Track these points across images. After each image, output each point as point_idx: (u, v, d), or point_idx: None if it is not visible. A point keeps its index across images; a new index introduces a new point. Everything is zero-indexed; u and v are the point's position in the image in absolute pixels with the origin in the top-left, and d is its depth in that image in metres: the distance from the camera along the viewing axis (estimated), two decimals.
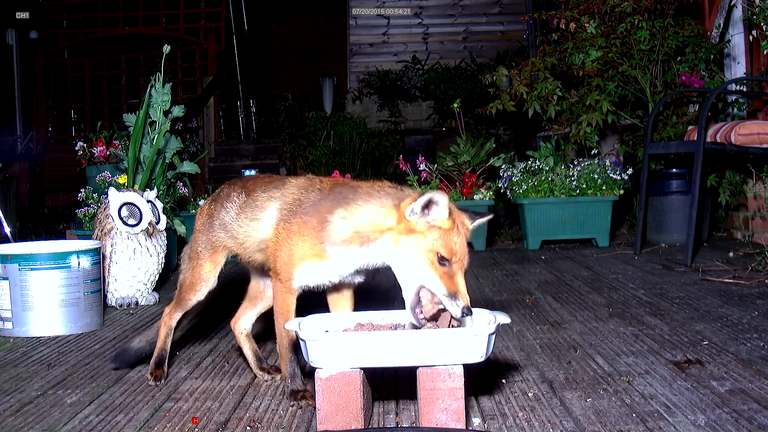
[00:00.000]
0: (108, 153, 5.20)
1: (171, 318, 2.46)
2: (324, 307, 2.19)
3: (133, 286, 3.90)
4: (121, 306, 3.86)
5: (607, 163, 5.69)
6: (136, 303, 3.91)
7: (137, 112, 4.10)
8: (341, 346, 1.81)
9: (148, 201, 3.97)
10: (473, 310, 1.91)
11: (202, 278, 2.38)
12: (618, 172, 5.62)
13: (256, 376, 2.43)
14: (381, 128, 10.97)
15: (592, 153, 5.88)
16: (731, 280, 3.85)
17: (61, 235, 6.19)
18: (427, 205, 1.87)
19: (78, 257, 3.26)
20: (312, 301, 2.21)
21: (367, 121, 10.91)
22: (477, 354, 1.80)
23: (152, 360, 2.45)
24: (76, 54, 11.25)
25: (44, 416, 2.10)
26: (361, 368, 1.83)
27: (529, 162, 5.81)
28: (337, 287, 2.17)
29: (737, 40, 5.93)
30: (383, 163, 10.26)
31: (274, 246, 2.10)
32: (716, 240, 5.67)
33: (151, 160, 4.12)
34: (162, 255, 4.00)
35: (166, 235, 4.08)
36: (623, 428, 1.85)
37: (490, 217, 2.19)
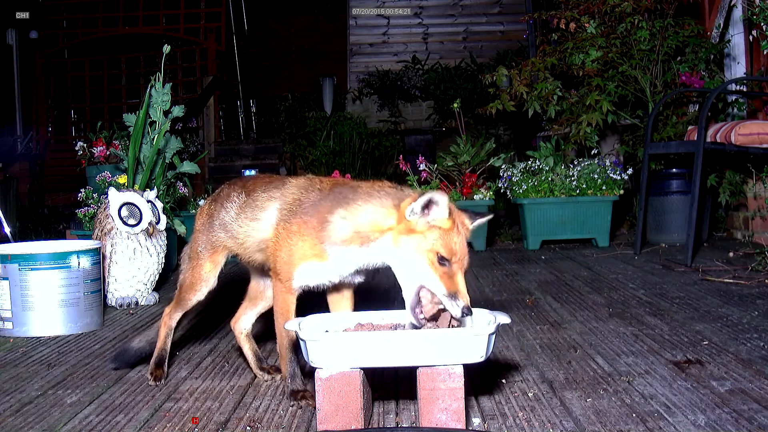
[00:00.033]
0: (108, 153, 5.20)
1: (171, 318, 2.46)
2: (324, 307, 2.19)
3: (133, 286, 3.90)
4: (121, 306, 3.86)
5: (607, 163, 5.69)
6: (136, 303, 3.91)
7: (137, 112, 4.10)
8: (341, 346, 1.81)
9: (148, 201, 3.97)
10: (473, 310, 1.91)
11: (202, 278, 2.39)
12: (618, 172, 5.62)
13: (256, 376, 2.43)
14: (381, 128, 10.97)
15: (592, 153, 5.88)
16: (731, 280, 3.85)
17: (61, 235, 6.19)
18: (427, 205, 1.87)
19: (78, 257, 3.26)
20: (312, 301, 2.21)
21: (367, 121, 10.91)
22: (477, 354, 1.80)
23: (152, 360, 2.45)
24: (76, 54, 11.25)
25: (44, 416, 2.10)
26: (361, 368, 1.83)
27: (529, 162, 5.81)
28: (337, 287, 2.17)
29: (737, 40, 5.93)
30: (383, 163, 10.26)
31: (274, 246, 2.10)
32: (716, 240, 5.67)
33: (151, 160, 4.12)
34: (162, 255, 4.00)
35: (166, 235, 4.08)
36: (623, 428, 1.85)
37: (490, 217, 2.19)
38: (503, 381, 2.28)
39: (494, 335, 1.84)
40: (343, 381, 1.81)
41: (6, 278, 3.18)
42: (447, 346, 1.78)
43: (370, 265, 2.01)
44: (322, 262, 2.03)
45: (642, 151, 5.35)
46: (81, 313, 3.26)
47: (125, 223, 3.86)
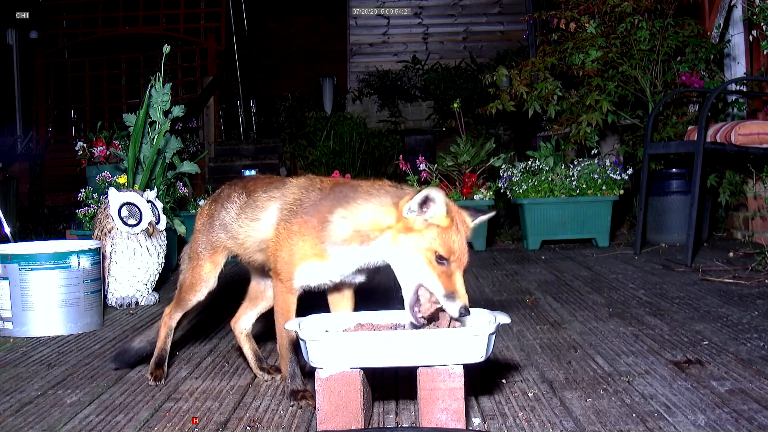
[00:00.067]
0: (108, 153, 5.20)
1: (171, 318, 2.46)
2: (324, 307, 2.19)
3: (133, 286, 3.90)
4: (121, 306, 3.86)
5: (607, 163, 5.69)
6: (136, 303, 3.91)
7: (137, 112, 4.10)
8: (341, 346, 1.81)
9: (148, 201, 3.97)
10: (473, 310, 1.91)
11: (202, 278, 2.39)
12: (618, 172, 5.62)
13: (256, 376, 2.43)
14: (381, 128, 10.97)
15: (592, 153, 5.88)
16: (731, 280, 3.85)
17: (61, 235, 6.19)
18: (424, 202, 1.86)
19: (78, 257, 3.26)
20: (312, 301, 2.21)
21: (367, 121, 10.91)
22: (477, 354, 1.79)
23: (152, 360, 2.45)
24: (76, 54, 11.24)
25: (44, 416, 2.10)
26: (361, 368, 1.83)
27: (529, 162, 5.81)
28: (337, 287, 2.17)
29: (737, 40, 5.93)
30: (383, 163, 10.26)
31: (274, 246, 2.10)
32: (716, 240, 5.67)
33: (151, 160, 4.12)
34: (162, 255, 4.00)
35: (166, 235, 4.08)
36: (623, 428, 1.85)
37: (492, 214, 2.17)
38: (503, 381, 2.28)
39: (494, 335, 1.83)
40: (343, 381, 1.81)
41: (6, 278, 3.19)
42: (447, 346, 1.78)
43: (371, 264, 2.01)
44: (323, 261, 2.03)
45: (642, 151, 5.35)
46: (81, 313, 3.26)
47: (125, 223, 3.86)
